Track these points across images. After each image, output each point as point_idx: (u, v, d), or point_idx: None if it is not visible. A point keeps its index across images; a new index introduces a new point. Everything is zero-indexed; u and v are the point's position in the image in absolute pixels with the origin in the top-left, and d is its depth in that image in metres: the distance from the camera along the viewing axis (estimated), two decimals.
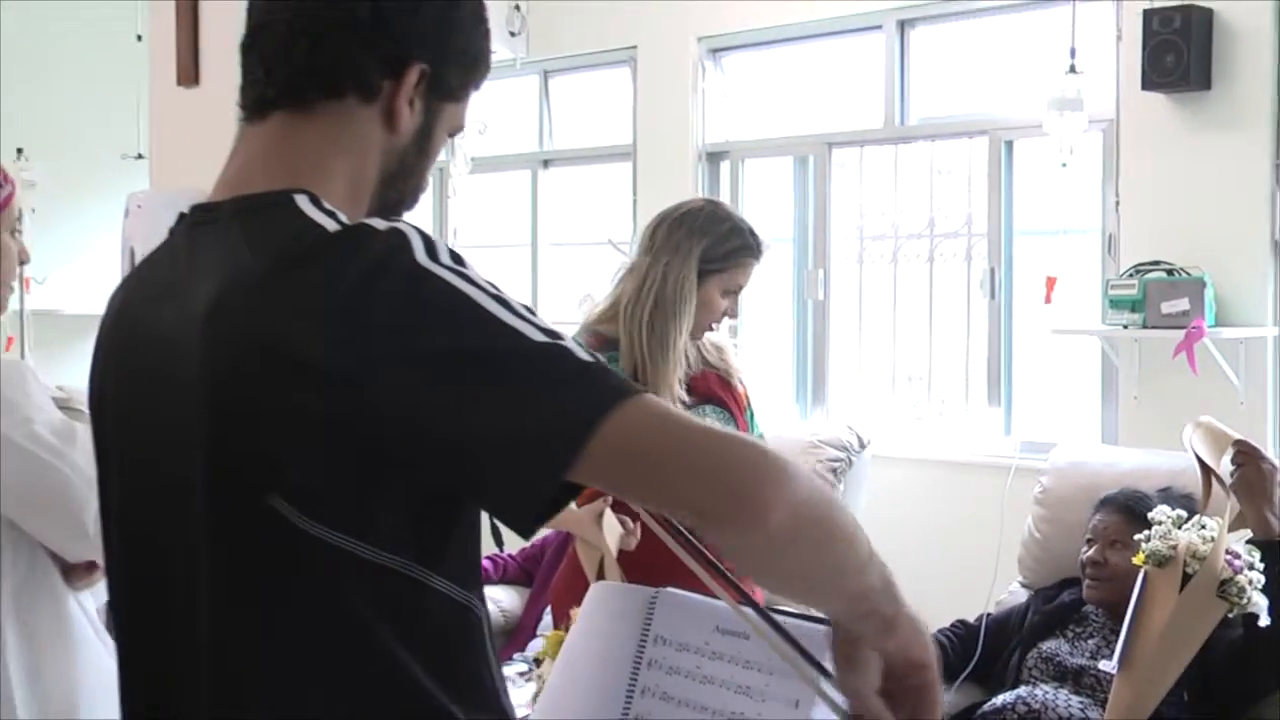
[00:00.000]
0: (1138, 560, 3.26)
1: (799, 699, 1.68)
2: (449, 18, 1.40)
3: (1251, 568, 3.16)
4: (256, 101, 1.39)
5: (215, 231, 1.35)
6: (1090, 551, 3.57)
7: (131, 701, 1.44)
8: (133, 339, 1.41)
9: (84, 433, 2.09)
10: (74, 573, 2.21)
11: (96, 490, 2.05)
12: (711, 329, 3.22)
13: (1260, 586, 3.14)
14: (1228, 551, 3.16)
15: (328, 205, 1.32)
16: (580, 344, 1.25)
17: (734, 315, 3.23)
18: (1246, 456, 3.31)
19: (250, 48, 1.40)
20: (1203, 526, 3.21)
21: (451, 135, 1.47)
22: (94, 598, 2.27)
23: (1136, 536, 3.29)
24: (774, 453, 1.22)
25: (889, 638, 1.30)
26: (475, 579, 1.36)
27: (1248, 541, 3.22)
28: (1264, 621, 3.13)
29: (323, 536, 1.24)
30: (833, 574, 1.27)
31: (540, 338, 1.22)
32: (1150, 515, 3.33)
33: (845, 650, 1.32)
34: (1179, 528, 3.24)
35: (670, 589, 1.77)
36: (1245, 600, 3.13)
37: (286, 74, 1.37)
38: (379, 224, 1.26)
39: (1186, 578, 3.16)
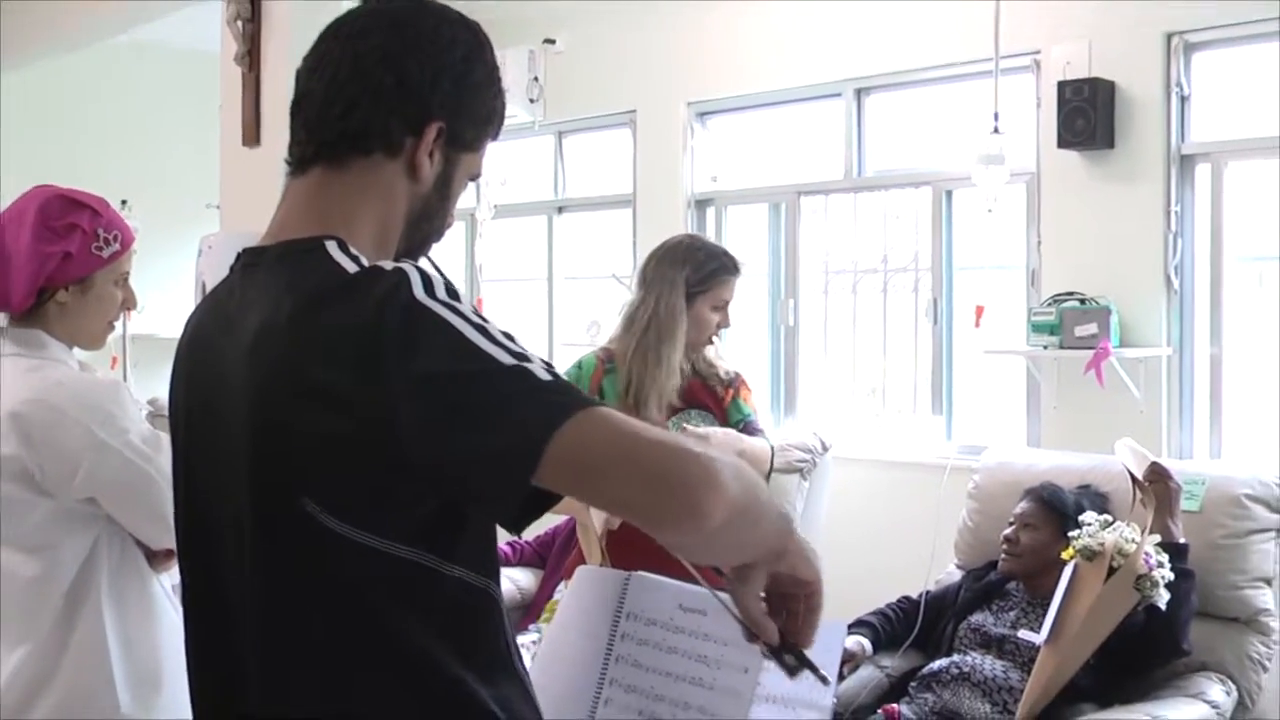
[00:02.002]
0: (1067, 554, 3.31)
1: (748, 666, 1.69)
2: (463, 83, 1.38)
3: (1161, 565, 3.21)
4: (299, 159, 1.39)
5: (261, 273, 1.35)
6: (1008, 530, 3.61)
7: (197, 670, 1.43)
8: (201, 362, 1.41)
9: (167, 441, 2.14)
10: (156, 558, 2.21)
11: None
12: (711, 341, 3.20)
13: (1167, 583, 3.20)
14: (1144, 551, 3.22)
15: (353, 250, 1.30)
16: (548, 365, 1.22)
17: (726, 325, 3.19)
18: (1158, 476, 3.38)
19: (296, 113, 1.40)
20: (1122, 531, 3.28)
21: (471, 180, 1.44)
22: (170, 578, 2.28)
23: (1070, 534, 3.34)
24: (708, 457, 1.18)
25: (779, 563, 1.30)
26: (491, 564, 1.32)
27: (1156, 544, 3.27)
28: (1162, 606, 3.20)
29: (347, 534, 1.23)
30: (750, 543, 1.26)
31: (509, 361, 1.19)
32: (1081, 518, 3.38)
33: (737, 569, 1.30)
34: (1104, 530, 3.29)
35: (640, 573, 1.78)
36: (1155, 594, 3.18)
37: (322, 136, 1.36)
38: (387, 265, 1.25)
39: (1111, 571, 3.21)
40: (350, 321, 1.21)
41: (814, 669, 1.34)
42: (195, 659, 1.43)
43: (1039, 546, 3.51)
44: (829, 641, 1.77)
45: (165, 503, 2.08)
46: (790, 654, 1.34)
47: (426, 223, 1.41)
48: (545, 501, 1.21)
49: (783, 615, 1.33)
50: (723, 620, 1.60)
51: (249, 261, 1.39)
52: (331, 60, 1.37)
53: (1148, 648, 3.29)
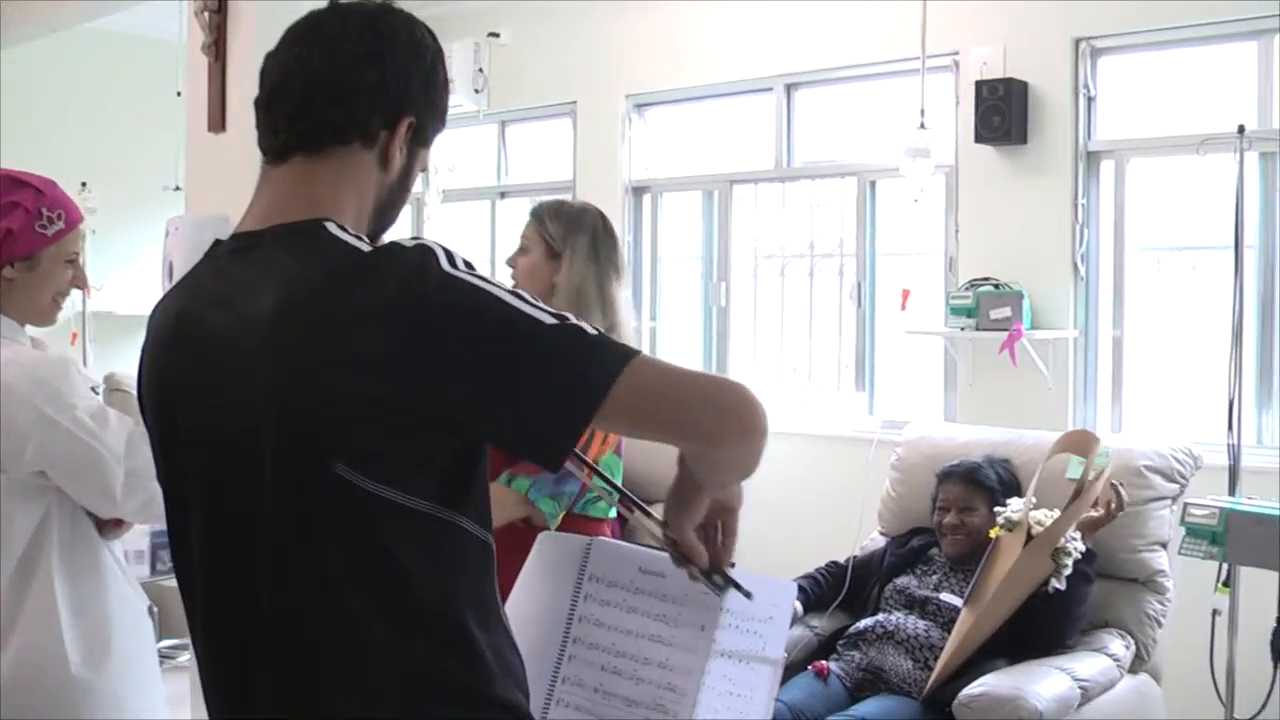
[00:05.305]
0: (994, 533, 3.37)
1: (704, 624, 1.68)
2: (430, 82, 1.41)
3: (1075, 541, 3.28)
4: (279, 148, 1.38)
5: (262, 253, 1.33)
6: (948, 518, 3.59)
7: (205, 633, 1.39)
8: (195, 338, 1.36)
9: (114, 416, 2.09)
10: (105, 527, 2.19)
11: (123, 463, 2.05)
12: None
13: (1079, 555, 3.27)
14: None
15: (351, 230, 1.32)
16: (586, 322, 1.26)
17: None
18: (1115, 494, 3.41)
19: (269, 105, 1.39)
20: (1043, 511, 3.37)
21: (421, 173, 1.48)
22: (121, 545, 2.27)
23: (998, 513, 3.40)
24: (743, 385, 1.29)
25: (724, 490, 1.40)
26: (489, 518, 1.36)
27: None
28: (1061, 587, 3.28)
29: (376, 491, 1.24)
30: (750, 465, 1.33)
31: (551, 320, 1.23)
32: (1007, 502, 3.46)
33: (682, 496, 1.38)
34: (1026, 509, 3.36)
35: (601, 538, 1.78)
36: (1067, 564, 3.25)
37: (306, 126, 1.36)
38: (407, 242, 1.26)
39: (1029, 539, 3.27)
40: (387, 294, 1.23)
41: (738, 586, 1.44)
42: (203, 622, 1.39)
43: (982, 524, 3.53)
44: (780, 599, 1.78)
45: (111, 476, 2.06)
46: (717, 574, 1.43)
47: (389, 210, 1.43)
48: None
49: (705, 540, 1.43)
50: (681, 582, 1.61)
51: (242, 245, 1.37)
52: (308, 57, 1.37)
53: (1038, 631, 3.34)
